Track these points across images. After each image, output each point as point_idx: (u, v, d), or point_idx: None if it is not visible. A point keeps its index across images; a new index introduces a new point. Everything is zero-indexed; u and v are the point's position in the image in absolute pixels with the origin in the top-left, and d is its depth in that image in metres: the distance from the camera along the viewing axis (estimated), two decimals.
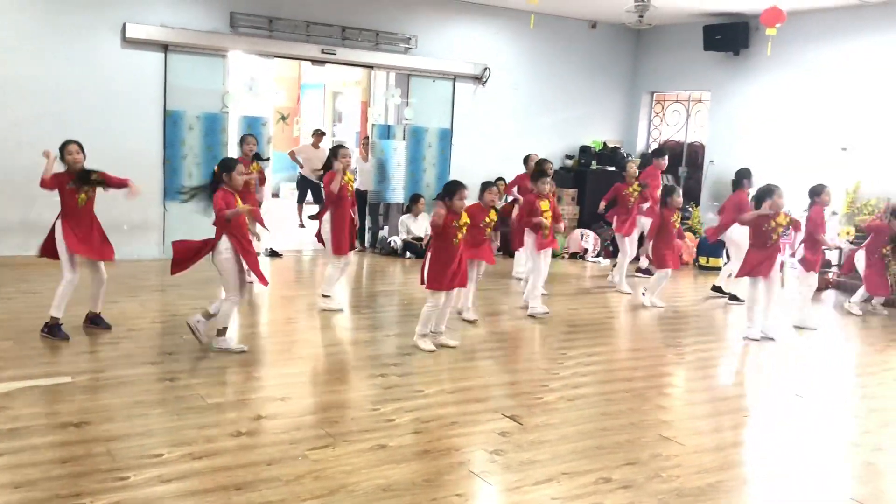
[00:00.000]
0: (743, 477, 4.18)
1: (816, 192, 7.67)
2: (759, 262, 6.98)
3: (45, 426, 4.26)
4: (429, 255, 6.08)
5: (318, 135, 12.77)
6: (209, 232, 5.90)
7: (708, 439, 4.61)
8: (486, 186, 6.64)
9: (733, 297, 8.61)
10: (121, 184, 6.07)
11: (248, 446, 4.12)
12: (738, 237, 8.03)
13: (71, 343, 5.82)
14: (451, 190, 5.98)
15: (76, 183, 5.88)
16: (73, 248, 5.89)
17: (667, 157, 10.04)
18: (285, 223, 11.94)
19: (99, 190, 6.07)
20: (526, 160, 9.31)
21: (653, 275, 8.62)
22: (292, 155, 12.88)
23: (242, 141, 8.25)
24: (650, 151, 12.51)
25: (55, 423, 4.30)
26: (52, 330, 5.89)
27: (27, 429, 4.19)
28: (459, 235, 5.98)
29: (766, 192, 6.93)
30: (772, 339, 7.01)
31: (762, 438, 4.79)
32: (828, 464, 4.45)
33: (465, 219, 6.03)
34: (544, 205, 7.48)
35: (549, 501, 3.69)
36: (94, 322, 6.24)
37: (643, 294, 8.26)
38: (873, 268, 8.33)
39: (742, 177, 8.42)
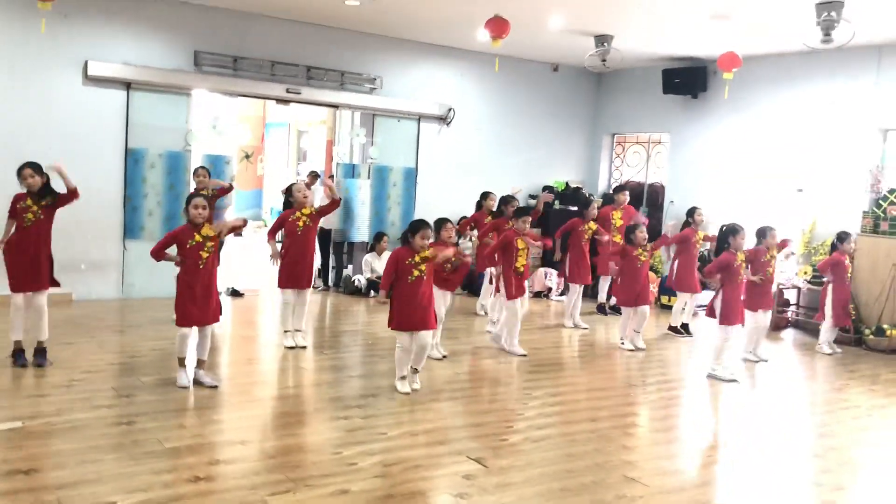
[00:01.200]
0: None
1: (762, 234, 7.76)
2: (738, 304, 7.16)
3: None
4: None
5: (313, 176, 12.53)
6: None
7: (672, 479, 4.60)
8: (440, 224, 6.58)
9: (682, 330, 8.91)
10: (70, 196, 6.15)
11: (205, 492, 4.01)
12: None
13: (23, 385, 5.66)
14: (415, 228, 5.86)
15: (30, 203, 5.99)
16: (13, 287, 6.05)
17: (627, 194, 10.25)
18: (247, 262, 11.81)
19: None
20: (484, 197, 9.37)
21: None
22: (287, 191, 12.64)
23: (194, 174, 8.26)
24: (611, 191, 12.71)
25: (2, 471, 4.13)
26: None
27: None
28: (416, 272, 5.83)
29: (732, 231, 7.06)
30: (735, 380, 7.07)
31: (726, 478, 4.80)
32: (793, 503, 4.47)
33: (424, 254, 5.86)
34: (521, 242, 7.47)
35: None
36: (36, 355, 6.16)
37: (622, 342, 8.19)
38: (838, 298, 8.34)
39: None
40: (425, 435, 5.17)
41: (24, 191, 6.04)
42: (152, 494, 3.92)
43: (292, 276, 7.16)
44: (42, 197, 6.05)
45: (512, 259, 7.44)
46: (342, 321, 9.16)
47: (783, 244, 7.98)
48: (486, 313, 9.42)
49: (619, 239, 8.92)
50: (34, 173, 6.01)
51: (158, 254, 5.73)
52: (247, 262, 11.47)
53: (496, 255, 7.68)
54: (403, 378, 6.03)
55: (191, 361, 5.97)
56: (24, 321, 6.11)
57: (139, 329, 7.62)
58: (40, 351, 6.17)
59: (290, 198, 7.28)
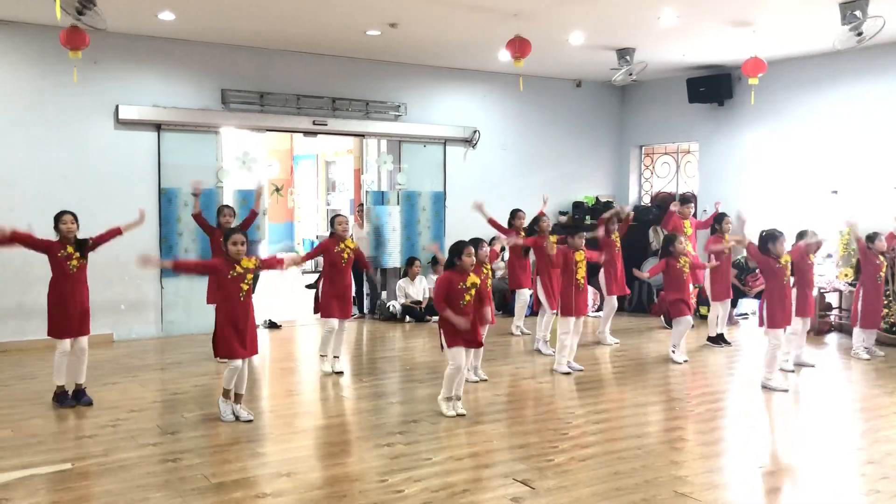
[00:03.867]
0: None
1: (800, 237, 7.67)
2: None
3: None
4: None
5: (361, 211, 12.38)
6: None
7: (724, 493, 4.51)
8: (477, 243, 6.52)
9: (718, 340, 8.85)
10: (112, 233, 6.50)
11: None
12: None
13: (69, 427, 5.73)
14: (458, 250, 5.86)
15: (71, 250, 6.18)
16: (54, 333, 6.19)
17: (693, 205, 9.85)
18: (283, 294, 11.91)
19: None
20: (513, 216, 9.36)
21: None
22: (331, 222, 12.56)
23: (219, 213, 8.00)
24: (649, 203, 12.62)
25: None
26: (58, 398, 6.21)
27: None
28: (467, 297, 5.86)
29: (772, 238, 6.95)
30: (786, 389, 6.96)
31: (779, 489, 4.69)
32: None
33: (473, 279, 5.91)
34: (579, 255, 7.49)
35: None
36: (76, 397, 6.25)
37: (672, 351, 8.10)
38: (867, 300, 8.19)
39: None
40: (470, 459, 5.13)
41: (57, 238, 6.21)
42: None
43: (337, 306, 7.24)
44: (81, 244, 6.25)
45: (571, 275, 7.45)
46: (379, 348, 9.16)
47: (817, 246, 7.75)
48: (521, 333, 9.37)
49: (690, 248, 8.71)
50: (74, 219, 6.24)
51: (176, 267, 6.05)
52: (282, 294, 11.57)
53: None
54: (449, 399, 5.99)
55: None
56: (68, 365, 6.22)
57: (180, 366, 7.69)
58: (81, 391, 6.27)
59: (332, 228, 7.33)
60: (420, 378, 7.27)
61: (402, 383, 7.34)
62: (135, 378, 7.27)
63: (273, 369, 7.96)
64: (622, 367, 7.97)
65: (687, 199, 10.15)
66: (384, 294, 11.12)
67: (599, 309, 10.96)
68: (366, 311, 11.01)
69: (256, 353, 6.01)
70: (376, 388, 7.03)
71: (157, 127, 9.22)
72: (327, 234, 7.83)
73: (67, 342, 6.18)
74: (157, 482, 4.63)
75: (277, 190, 16.24)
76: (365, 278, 10.97)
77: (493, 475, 4.77)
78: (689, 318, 8.07)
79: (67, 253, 6.18)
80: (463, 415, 5.99)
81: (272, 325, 9.94)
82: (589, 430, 5.73)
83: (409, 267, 10.75)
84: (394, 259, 11.01)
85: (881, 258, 8.25)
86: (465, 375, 6.09)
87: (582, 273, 7.52)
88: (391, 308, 10.63)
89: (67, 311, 6.17)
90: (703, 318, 10.18)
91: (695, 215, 11.37)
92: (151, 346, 8.78)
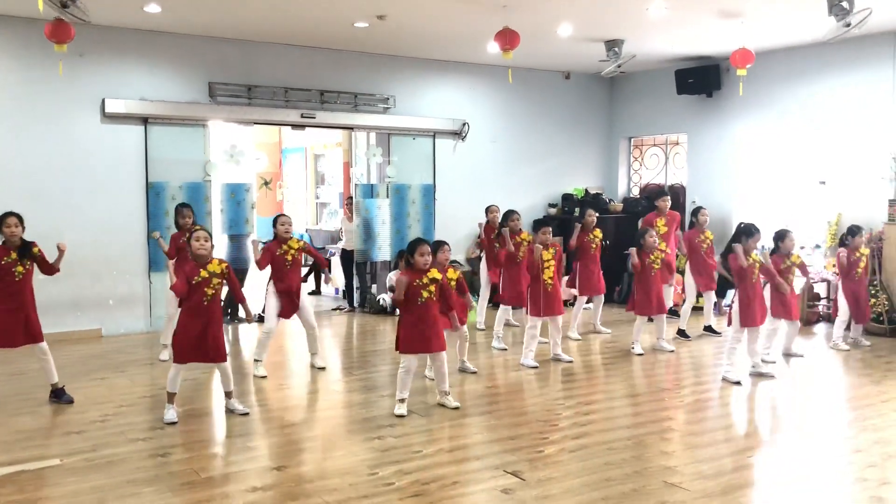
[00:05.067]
0: None
1: (780, 238, 7.64)
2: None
3: None
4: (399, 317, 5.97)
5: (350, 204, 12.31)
6: None
7: (714, 483, 4.53)
8: (437, 247, 6.41)
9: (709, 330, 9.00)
10: (51, 269, 6.12)
11: None
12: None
13: (58, 423, 5.70)
14: (412, 247, 5.79)
15: (15, 257, 5.82)
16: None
17: (669, 199, 9.64)
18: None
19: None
20: (487, 211, 9.42)
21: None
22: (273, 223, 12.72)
23: (177, 213, 7.54)
24: (637, 195, 12.64)
25: None
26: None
27: None
28: (425, 294, 5.74)
29: (747, 233, 6.98)
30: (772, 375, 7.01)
31: (768, 479, 4.72)
32: (836, 502, 4.37)
33: (432, 275, 5.79)
34: (546, 255, 7.38)
35: None
36: (56, 395, 6.17)
37: (632, 346, 8.11)
38: (851, 295, 8.20)
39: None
40: (460, 451, 5.14)
41: (2, 243, 5.85)
42: None
43: (287, 307, 7.14)
44: (25, 254, 5.87)
45: (538, 273, 7.37)
46: (369, 341, 9.15)
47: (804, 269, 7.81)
48: (512, 325, 9.35)
49: (664, 247, 8.61)
50: (18, 222, 5.85)
51: (185, 290, 5.56)
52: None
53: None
54: (403, 401, 5.90)
55: (220, 392, 6.00)
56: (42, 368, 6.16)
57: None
58: (60, 390, 6.18)
59: (274, 229, 7.10)
60: None
61: (392, 377, 7.32)
62: (123, 373, 7.24)
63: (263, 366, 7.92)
64: (611, 358, 7.99)
65: (661, 192, 10.08)
66: (374, 287, 11.10)
67: (589, 301, 11.00)
68: (356, 304, 10.99)
69: (223, 360, 5.75)
70: (366, 382, 7.02)
71: (144, 120, 9.16)
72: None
73: None
74: (146, 477, 4.61)
75: (266, 183, 16.17)
76: (355, 272, 10.95)
77: (483, 467, 4.78)
78: (645, 318, 8.12)
79: (11, 259, 5.80)
80: (457, 407, 5.99)
81: (261, 320, 9.89)
82: (579, 420, 5.74)
83: (399, 260, 10.71)
84: (383, 252, 10.98)
85: (859, 253, 8.17)
86: (444, 373, 6.02)
87: (549, 273, 7.34)
88: (381, 301, 10.62)
89: (10, 324, 5.84)
90: (699, 309, 10.22)
91: (682, 209, 11.40)
92: (140, 341, 8.74)
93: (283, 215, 7.24)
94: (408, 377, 5.90)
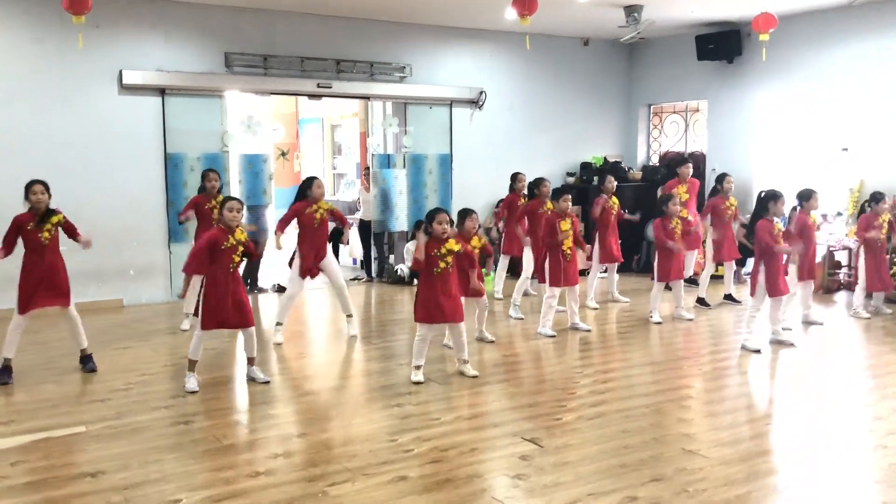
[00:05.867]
0: (771, 486, 4.10)
1: (804, 197, 7.61)
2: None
3: (60, 478, 4.21)
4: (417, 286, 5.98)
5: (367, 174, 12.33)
6: None
7: (732, 450, 4.54)
8: (465, 214, 6.45)
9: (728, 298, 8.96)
10: (76, 237, 6.23)
11: (267, 486, 4.07)
12: None
13: (83, 391, 5.80)
14: (430, 216, 5.79)
15: (39, 223, 5.94)
16: (25, 306, 5.96)
17: (690, 166, 9.54)
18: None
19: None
20: (514, 179, 9.31)
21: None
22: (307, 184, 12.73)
23: (203, 177, 7.72)
24: (657, 163, 12.52)
25: (71, 475, 4.25)
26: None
27: (44, 482, 4.15)
28: (442, 264, 5.75)
29: (773, 197, 6.88)
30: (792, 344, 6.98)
31: (787, 446, 4.72)
32: (855, 469, 4.37)
33: (450, 246, 5.79)
34: (564, 224, 7.36)
35: None
36: (83, 362, 6.29)
37: (651, 315, 8.09)
38: (872, 263, 8.11)
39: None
40: (478, 418, 5.18)
41: (27, 209, 5.96)
42: (215, 491, 3.99)
43: (312, 266, 7.24)
44: (48, 215, 5.99)
45: (556, 243, 7.35)
46: (388, 310, 9.20)
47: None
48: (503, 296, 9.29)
49: (685, 214, 8.47)
50: (45, 190, 5.99)
51: (199, 269, 5.64)
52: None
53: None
54: (419, 367, 5.95)
55: (242, 361, 6.06)
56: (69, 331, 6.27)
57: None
58: (87, 357, 6.31)
59: (309, 190, 7.16)
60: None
61: (410, 345, 7.36)
62: (146, 342, 7.34)
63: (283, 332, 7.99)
64: (629, 326, 7.99)
65: (683, 159, 10.01)
66: (392, 258, 11.13)
67: (605, 270, 10.96)
68: (374, 274, 11.03)
69: (251, 325, 5.84)
70: (385, 351, 7.07)
71: (162, 91, 9.16)
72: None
73: (23, 319, 6.01)
74: (169, 444, 4.69)
75: (283, 154, 16.17)
76: (372, 242, 10.97)
77: (501, 434, 4.81)
78: (662, 285, 8.02)
79: (37, 226, 5.96)
80: (476, 376, 6.03)
81: (281, 290, 9.97)
82: (596, 388, 5.76)
83: (416, 230, 10.73)
84: (401, 223, 10.99)
85: (881, 219, 8.06)
86: (464, 340, 6.05)
87: (568, 244, 7.33)
88: (399, 271, 10.65)
89: (40, 283, 5.96)
90: (716, 277, 10.16)
91: (702, 176, 11.28)
92: (161, 311, 8.83)
93: (318, 178, 7.33)
94: (423, 345, 5.94)
